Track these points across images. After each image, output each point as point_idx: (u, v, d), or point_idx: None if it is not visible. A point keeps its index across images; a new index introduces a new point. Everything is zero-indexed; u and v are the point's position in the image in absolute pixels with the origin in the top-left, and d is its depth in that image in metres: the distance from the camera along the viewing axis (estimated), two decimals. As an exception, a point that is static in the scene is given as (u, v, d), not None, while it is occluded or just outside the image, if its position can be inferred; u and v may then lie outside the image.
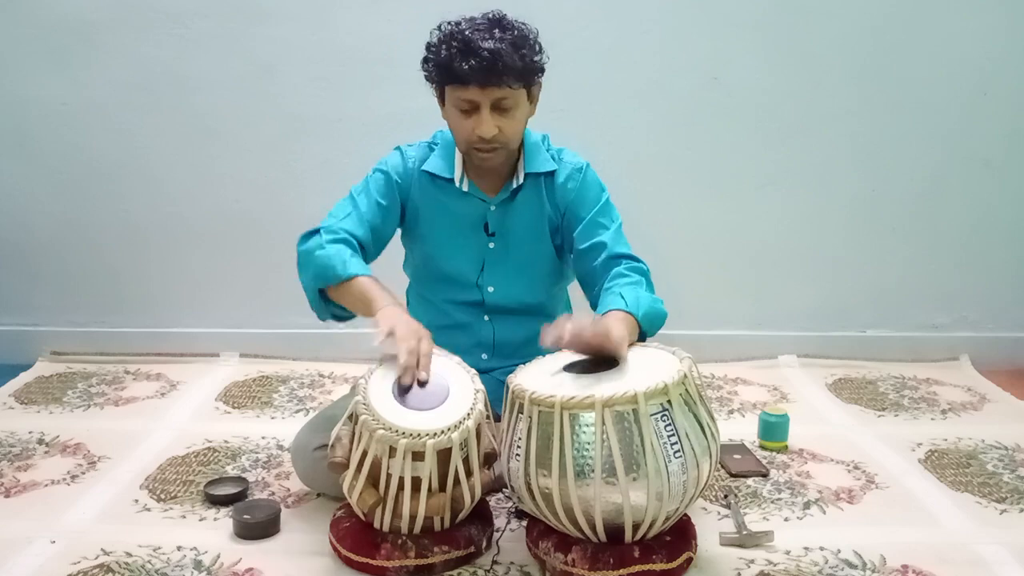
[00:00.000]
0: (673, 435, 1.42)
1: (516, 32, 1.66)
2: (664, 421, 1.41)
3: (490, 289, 1.87)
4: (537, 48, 1.69)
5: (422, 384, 1.53)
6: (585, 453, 1.40)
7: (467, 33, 1.62)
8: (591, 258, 1.77)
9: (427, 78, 1.72)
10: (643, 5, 2.60)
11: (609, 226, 1.79)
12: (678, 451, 1.42)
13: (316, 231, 1.75)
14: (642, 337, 1.66)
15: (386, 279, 1.86)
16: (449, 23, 1.68)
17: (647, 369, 1.48)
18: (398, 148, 1.87)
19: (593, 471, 1.40)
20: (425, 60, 1.70)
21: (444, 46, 1.64)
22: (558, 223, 1.84)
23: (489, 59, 1.59)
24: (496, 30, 1.63)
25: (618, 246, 1.76)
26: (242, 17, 2.58)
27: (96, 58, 2.60)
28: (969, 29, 2.62)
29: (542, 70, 1.72)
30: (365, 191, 1.82)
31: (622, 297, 1.63)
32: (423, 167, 1.82)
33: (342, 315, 1.76)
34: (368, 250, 1.78)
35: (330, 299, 1.73)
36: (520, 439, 1.47)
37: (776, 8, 2.61)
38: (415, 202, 1.84)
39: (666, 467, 1.40)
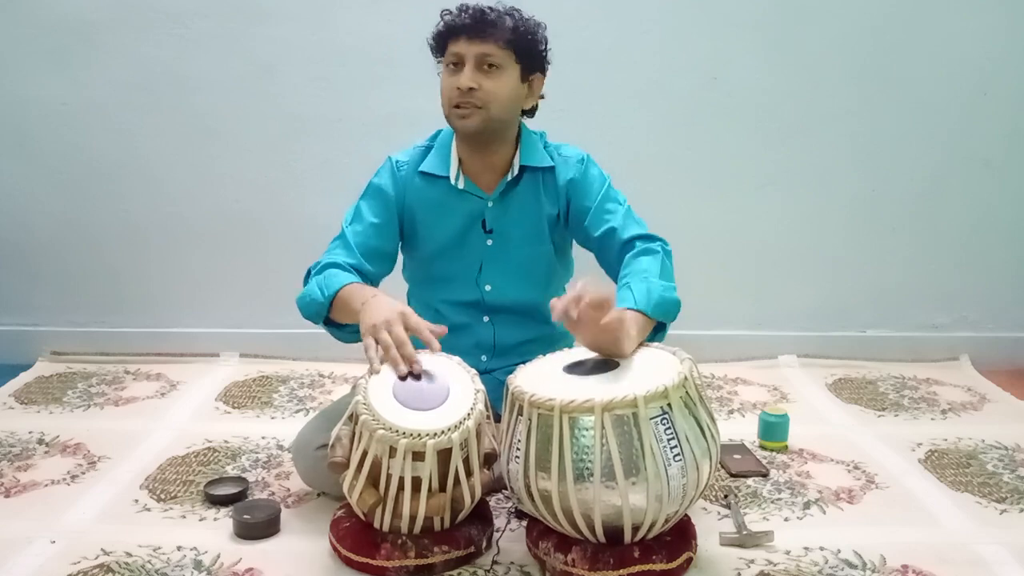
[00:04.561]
0: (673, 438, 1.41)
1: (518, 12, 1.74)
2: (664, 424, 1.41)
3: (488, 288, 1.87)
4: (540, 37, 1.75)
5: (416, 377, 1.53)
6: (584, 456, 1.40)
7: (471, 2, 1.74)
8: (608, 246, 1.78)
9: (432, 50, 1.78)
10: (643, 5, 2.60)
11: (616, 210, 1.79)
12: (678, 454, 1.41)
13: (309, 271, 1.77)
14: (662, 327, 1.66)
15: (387, 284, 1.87)
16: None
17: (647, 371, 1.48)
18: (388, 159, 1.86)
19: (592, 474, 1.40)
20: (431, 38, 1.77)
21: (446, 14, 1.74)
22: (558, 219, 1.84)
23: (479, 13, 1.71)
24: (499, 6, 1.74)
25: (628, 229, 1.76)
26: (242, 17, 2.58)
27: (96, 58, 2.60)
28: (969, 29, 2.62)
29: (542, 56, 1.77)
30: (356, 217, 1.82)
31: (631, 291, 1.62)
32: (419, 168, 1.82)
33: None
34: (367, 272, 1.77)
35: (343, 325, 1.73)
36: (520, 441, 1.47)
37: (776, 8, 2.61)
38: (411, 208, 1.84)
39: (666, 470, 1.40)
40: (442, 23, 1.73)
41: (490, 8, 1.72)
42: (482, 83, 1.70)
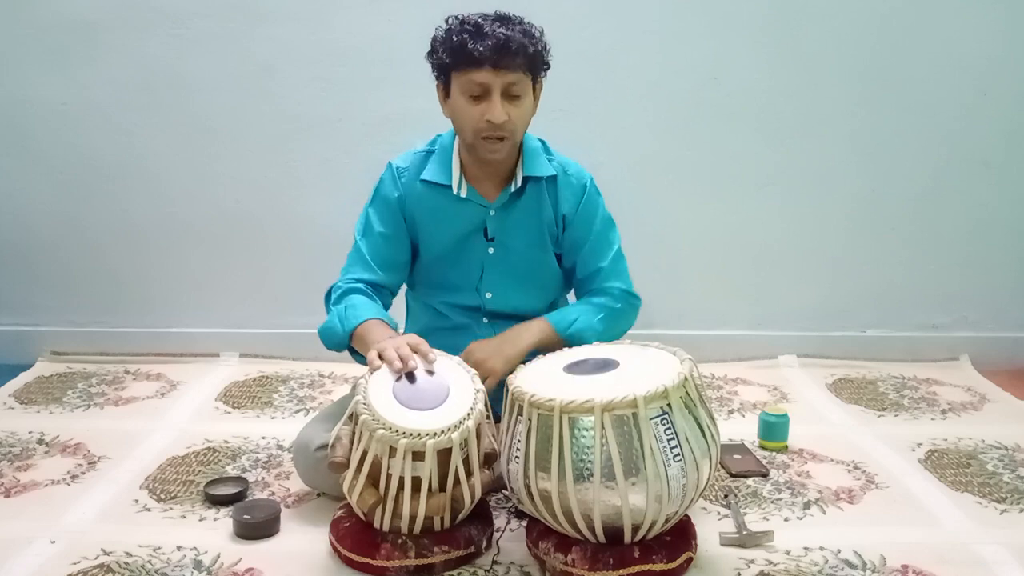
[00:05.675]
0: (673, 439, 1.42)
1: (524, 25, 1.69)
2: (664, 425, 1.41)
3: (488, 295, 1.87)
4: (544, 43, 1.72)
5: (415, 377, 1.53)
6: (584, 456, 1.40)
7: (479, 20, 1.66)
8: (588, 284, 1.86)
9: (434, 66, 1.72)
10: (643, 5, 2.60)
11: (607, 253, 1.85)
12: (678, 455, 1.41)
13: (329, 293, 1.81)
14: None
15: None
16: (457, 16, 1.69)
17: (647, 371, 1.48)
18: (389, 165, 1.86)
19: (592, 474, 1.40)
20: (433, 49, 1.71)
21: (456, 32, 1.67)
22: (558, 233, 1.85)
23: (503, 40, 1.63)
24: (507, 21, 1.67)
25: (614, 278, 1.85)
26: (242, 17, 2.58)
27: (96, 58, 2.60)
28: (969, 29, 2.62)
29: (548, 65, 1.75)
30: (367, 230, 1.84)
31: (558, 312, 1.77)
32: (421, 176, 1.82)
33: None
34: (386, 284, 1.82)
35: None
36: (519, 441, 1.47)
37: (776, 8, 2.61)
38: (413, 214, 1.84)
39: (665, 471, 1.40)
40: (456, 42, 1.64)
41: (506, 32, 1.63)
42: (510, 113, 1.67)
